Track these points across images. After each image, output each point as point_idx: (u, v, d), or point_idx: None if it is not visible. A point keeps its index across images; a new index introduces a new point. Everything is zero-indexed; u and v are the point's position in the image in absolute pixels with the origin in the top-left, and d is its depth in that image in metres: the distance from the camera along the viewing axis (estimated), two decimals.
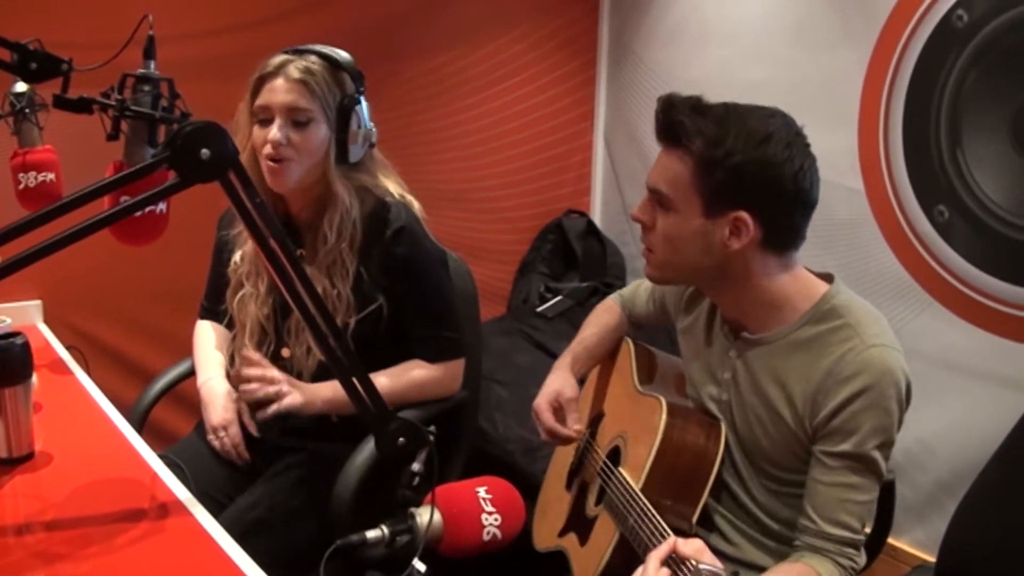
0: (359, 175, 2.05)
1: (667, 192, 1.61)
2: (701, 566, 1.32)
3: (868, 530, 1.63)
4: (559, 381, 2.01)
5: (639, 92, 3.72)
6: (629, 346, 2.03)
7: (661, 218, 1.63)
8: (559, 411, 1.97)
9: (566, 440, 1.98)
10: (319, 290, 1.94)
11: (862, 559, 1.63)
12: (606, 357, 2.09)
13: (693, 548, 1.36)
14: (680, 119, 1.57)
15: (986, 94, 2.52)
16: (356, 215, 2.02)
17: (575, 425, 1.96)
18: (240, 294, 2.13)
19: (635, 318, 2.09)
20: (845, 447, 1.56)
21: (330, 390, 2.03)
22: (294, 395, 1.97)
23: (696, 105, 1.60)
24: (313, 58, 1.96)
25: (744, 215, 1.56)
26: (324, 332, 1.35)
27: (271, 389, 1.95)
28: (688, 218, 1.60)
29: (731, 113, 1.58)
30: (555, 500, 2.04)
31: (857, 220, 2.87)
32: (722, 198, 1.57)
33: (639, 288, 2.09)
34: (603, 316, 2.11)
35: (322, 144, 1.97)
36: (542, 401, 1.98)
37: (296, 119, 1.94)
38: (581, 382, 2.08)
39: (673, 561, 1.36)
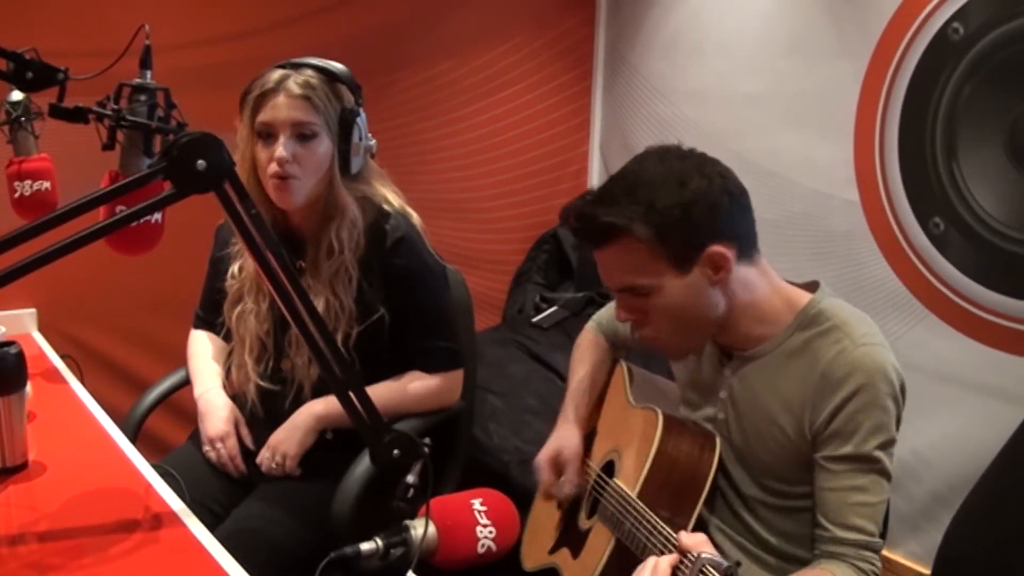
0: (358, 185, 2.06)
1: (639, 282, 1.61)
2: (703, 555, 1.32)
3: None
4: (561, 439, 1.94)
5: (635, 103, 3.73)
6: (623, 367, 2.02)
7: (647, 304, 1.63)
8: (559, 469, 1.92)
9: (561, 495, 1.93)
10: (321, 302, 1.97)
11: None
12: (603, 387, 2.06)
13: (696, 539, 1.38)
14: (606, 220, 1.57)
15: (982, 106, 2.52)
16: (358, 223, 2.03)
17: (571, 483, 1.90)
18: (239, 309, 2.13)
19: (620, 342, 2.07)
20: (846, 449, 1.56)
21: (323, 405, 2.03)
22: (288, 458, 2.02)
23: (603, 198, 1.60)
24: (310, 72, 1.96)
25: (715, 247, 1.57)
26: (319, 344, 1.35)
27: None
28: (671, 287, 1.59)
29: (632, 182, 1.59)
30: (545, 520, 2.02)
31: (853, 232, 2.87)
32: (687, 249, 1.57)
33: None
34: (590, 352, 2.07)
35: (326, 157, 1.98)
36: (543, 460, 1.93)
37: (301, 133, 1.94)
38: None
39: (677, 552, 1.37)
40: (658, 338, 1.68)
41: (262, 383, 2.10)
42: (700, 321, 1.64)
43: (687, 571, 1.34)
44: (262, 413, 2.11)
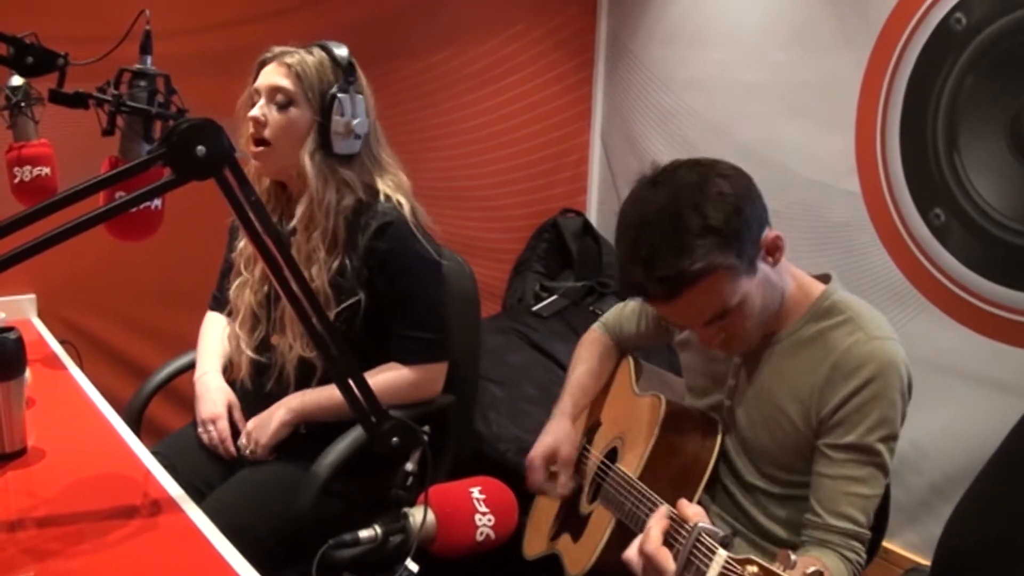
0: (346, 170, 2.03)
1: (727, 306, 1.56)
2: (700, 524, 1.33)
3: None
4: (558, 435, 1.93)
5: (636, 92, 3.72)
6: (629, 360, 2.02)
7: (732, 319, 1.60)
8: (553, 468, 1.91)
9: (553, 495, 1.93)
10: None
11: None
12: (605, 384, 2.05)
13: (694, 510, 1.38)
14: (696, 268, 1.50)
15: (984, 98, 2.52)
16: (331, 205, 2.00)
17: (565, 487, 1.90)
18: (239, 280, 2.16)
19: (625, 342, 2.06)
20: (850, 438, 1.57)
21: (300, 400, 2.04)
22: (260, 447, 2.03)
23: (663, 251, 1.52)
24: (314, 49, 2.02)
25: (767, 233, 1.57)
26: (318, 330, 1.35)
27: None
28: (751, 292, 1.58)
29: (672, 219, 1.51)
30: (548, 509, 2.03)
31: (853, 222, 2.87)
32: (752, 249, 1.55)
33: (624, 310, 2.07)
34: (592, 348, 2.07)
35: (302, 128, 2.00)
36: (537, 457, 1.91)
37: (277, 100, 1.99)
38: None
39: (673, 522, 1.38)
40: (743, 340, 1.67)
41: (253, 355, 2.11)
42: (774, 305, 1.65)
43: (684, 541, 1.34)
44: (251, 386, 2.12)
